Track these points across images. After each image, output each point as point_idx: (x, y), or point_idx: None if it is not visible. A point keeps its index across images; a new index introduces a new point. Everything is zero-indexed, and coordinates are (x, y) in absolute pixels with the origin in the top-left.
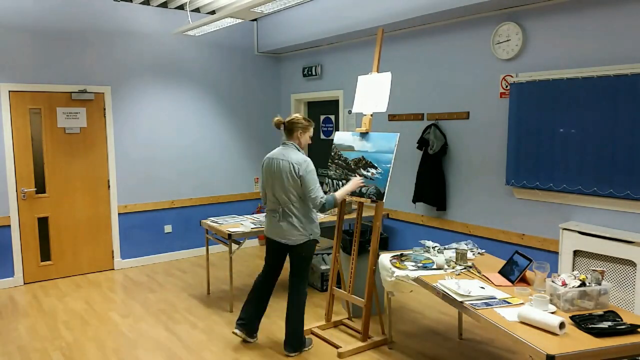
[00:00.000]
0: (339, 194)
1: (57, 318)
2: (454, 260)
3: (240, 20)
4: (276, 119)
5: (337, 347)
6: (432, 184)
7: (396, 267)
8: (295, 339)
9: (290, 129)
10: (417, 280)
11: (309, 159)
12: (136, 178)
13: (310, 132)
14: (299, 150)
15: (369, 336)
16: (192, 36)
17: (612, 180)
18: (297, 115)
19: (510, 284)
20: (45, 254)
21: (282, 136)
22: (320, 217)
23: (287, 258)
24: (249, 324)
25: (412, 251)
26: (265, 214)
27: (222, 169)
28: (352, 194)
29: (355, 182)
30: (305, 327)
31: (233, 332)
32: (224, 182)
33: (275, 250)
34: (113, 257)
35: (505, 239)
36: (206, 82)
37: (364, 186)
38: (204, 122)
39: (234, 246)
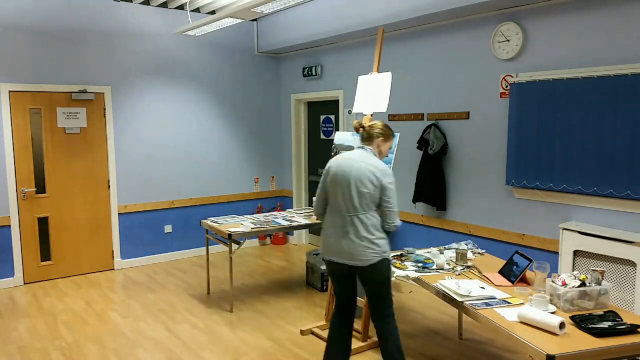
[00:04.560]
0: None
1: (57, 318)
2: (454, 260)
3: (240, 20)
4: (355, 121)
5: None
6: (432, 184)
7: (396, 267)
8: None
9: (370, 135)
10: (417, 280)
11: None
12: (136, 178)
13: (391, 142)
14: (378, 158)
15: (369, 336)
16: (192, 36)
17: (612, 180)
18: (378, 122)
19: (510, 284)
20: (45, 254)
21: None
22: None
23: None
24: None
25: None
26: (322, 232)
27: (222, 169)
28: None
29: None
30: (305, 327)
31: None
32: (224, 182)
33: (344, 277)
34: (113, 257)
35: (505, 239)
36: (206, 82)
37: None
38: (204, 122)
39: (234, 246)
